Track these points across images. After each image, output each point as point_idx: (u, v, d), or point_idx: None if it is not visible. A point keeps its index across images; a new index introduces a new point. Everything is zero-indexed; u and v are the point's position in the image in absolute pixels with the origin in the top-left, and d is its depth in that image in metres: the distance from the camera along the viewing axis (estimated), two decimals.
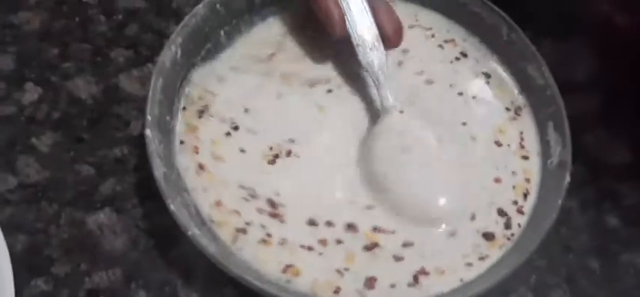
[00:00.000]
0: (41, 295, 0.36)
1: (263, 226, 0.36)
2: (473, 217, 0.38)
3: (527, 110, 0.43)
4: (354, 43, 0.41)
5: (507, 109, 0.43)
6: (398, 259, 0.36)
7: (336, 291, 0.35)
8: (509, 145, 0.42)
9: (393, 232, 0.37)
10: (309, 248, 0.36)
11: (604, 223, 0.43)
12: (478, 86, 0.44)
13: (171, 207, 0.34)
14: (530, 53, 0.43)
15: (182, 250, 0.38)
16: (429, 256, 0.36)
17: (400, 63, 0.44)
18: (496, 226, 0.38)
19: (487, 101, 0.44)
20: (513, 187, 0.40)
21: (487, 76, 0.45)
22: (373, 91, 0.42)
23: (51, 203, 0.39)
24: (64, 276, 0.37)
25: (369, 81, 0.42)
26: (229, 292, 0.37)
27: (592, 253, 0.41)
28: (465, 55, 0.45)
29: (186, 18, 0.41)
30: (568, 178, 0.38)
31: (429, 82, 0.44)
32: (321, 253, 0.36)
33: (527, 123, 0.43)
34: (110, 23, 0.48)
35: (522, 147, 0.42)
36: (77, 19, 0.48)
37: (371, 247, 0.36)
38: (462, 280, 0.36)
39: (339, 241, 0.36)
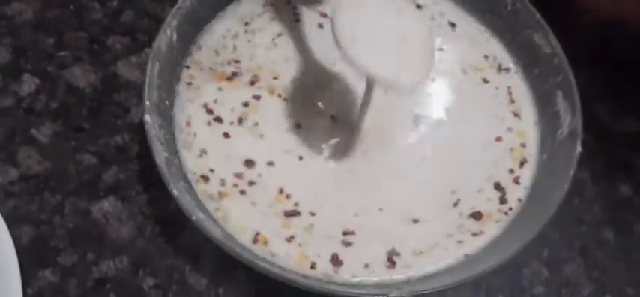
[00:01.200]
0: (49, 286, 0.36)
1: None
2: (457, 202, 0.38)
3: (519, 76, 0.43)
4: None
5: (485, 57, 0.44)
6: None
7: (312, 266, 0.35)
8: (497, 87, 0.43)
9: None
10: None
11: (616, 193, 0.43)
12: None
13: (174, 192, 0.34)
14: (535, 22, 0.43)
15: (189, 236, 0.38)
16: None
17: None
18: (489, 203, 0.38)
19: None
20: (511, 150, 0.40)
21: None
22: None
23: (54, 194, 0.39)
24: (71, 266, 0.37)
25: None
26: (238, 274, 0.37)
27: (605, 224, 0.41)
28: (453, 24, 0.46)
29: (181, 0, 0.41)
30: (579, 148, 0.37)
31: None
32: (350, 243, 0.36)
33: (516, 84, 0.43)
34: (105, 10, 0.48)
35: (512, 101, 0.42)
36: (71, 7, 0.48)
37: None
38: (466, 255, 0.36)
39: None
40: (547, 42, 0.42)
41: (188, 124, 0.39)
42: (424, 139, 0.41)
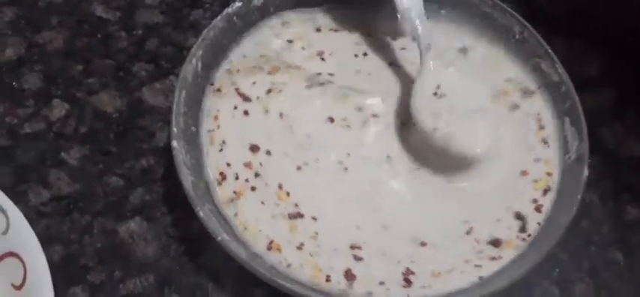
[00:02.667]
0: None
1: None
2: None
3: (544, 99, 0.44)
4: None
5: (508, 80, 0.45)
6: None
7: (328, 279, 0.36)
8: (528, 114, 0.43)
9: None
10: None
11: (624, 214, 0.43)
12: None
13: (201, 214, 0.35)
14: (543, 51, 0.44)
15: (211, 255, 0.39)
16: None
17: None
18: (509, 231, 0.39)
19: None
20: (536, 181, 0.40)
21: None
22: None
23: (83, 214, 0.41)
24: (100, 283, 0.38)
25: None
26: (259, 293, 0.38)
27: (614, 245, 0.42)
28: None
29: (205, 31, 0.43)
30: (586, 172, 0.38)
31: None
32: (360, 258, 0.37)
33: (543, 108, 0.44)
34: (131, 39, 0.50)
35: (541, 128, 0.43)
36: (99, 35, 0.50)
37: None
38: (481, 278, 0.37)
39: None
40: (554, 70, 0.43)
41: (216, 117, 0.42)
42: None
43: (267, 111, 0.42)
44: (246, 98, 0.42)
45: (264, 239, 0.37)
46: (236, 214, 0.38)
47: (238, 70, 0.44)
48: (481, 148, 0.40)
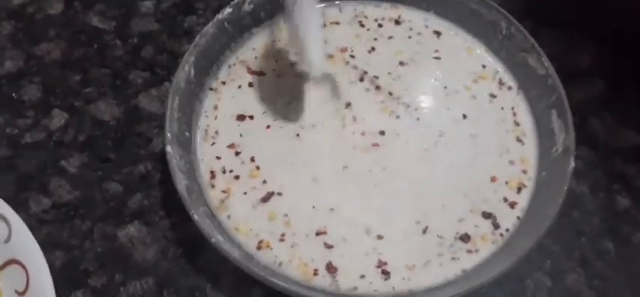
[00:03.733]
0: None
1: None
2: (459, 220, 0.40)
3: (521, 96, 0.45)
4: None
5: (483, 66, 0.47)
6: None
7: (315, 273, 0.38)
8: (502, 107, 0.44)
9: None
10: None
11: (615, 205, 0.44)
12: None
13: (195, 217, 0.36)
14: (529, 45, 0.44)
15: (209, 257, 0.40)
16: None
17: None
18: (476, 229, 0.40)
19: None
20: (506, 183, 0.41)
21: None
22: None
23: (83, 220, 0.42)
24: (101, 287, 0.39)
25: None
26: (257, 292, 0.39)
27: (605, 235, 0.42)
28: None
29: (197, 38, 0.44)
30: (572, 164, 0.39)
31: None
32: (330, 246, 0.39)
33: (520, 105, 0.45)
34: (126, 47, 0.51)
35: (517, 124, 0.44)
36: (95, 45, 0.51)
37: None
38: (464, 270, 0.38)
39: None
40: (541, 64, 0.43)
41: (215, 107, 0.44)
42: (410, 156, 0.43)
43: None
44: (259, 73, 0.45)
45: (254, 239, 0.38)
46: (229, 217, 0.39)
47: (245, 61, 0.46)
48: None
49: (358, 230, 0.39)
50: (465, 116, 0.44)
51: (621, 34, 0.49)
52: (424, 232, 0.39)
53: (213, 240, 0.35)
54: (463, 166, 0.42)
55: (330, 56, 0.46)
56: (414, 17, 0.49)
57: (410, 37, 0.48)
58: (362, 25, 0.48)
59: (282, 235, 0.39)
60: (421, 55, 0.47)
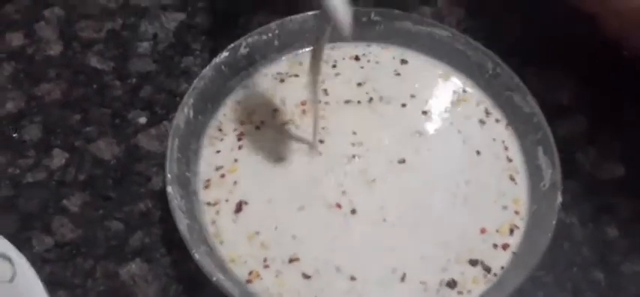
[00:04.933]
0: None
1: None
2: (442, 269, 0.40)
3: (511, 131, 0.46)
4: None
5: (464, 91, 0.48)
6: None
7: None
8: (494, 139, 0.45)
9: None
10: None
11: (604, 235, 0.45)
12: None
13: (196, 256, 0.37)
14: (514, 84, 0.46)
15: (210, 293, 0.40)
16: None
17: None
18: (462, 276, 0.39)
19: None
20: (497, 231, 0.41)
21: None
22: None
23: (86, 259, 0.43)
24: None
25: None
26: None
27: (595, 265, 0.43)
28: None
29: (195, 81, 0.45)
30: (560, 198, 0.40)
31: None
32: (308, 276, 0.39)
33: (510, 139, 0.46)
34: (125, 87, 0.52)
35: (509, 160, 0.44)
36: (95, 86, 0.52)
37: None
38: None
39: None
40: (526, 102, 0.45)
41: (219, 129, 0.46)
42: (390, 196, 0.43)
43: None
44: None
45: (245, 267, 0.40)
46: (221, 242, 0.40)
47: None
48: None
49: (328, 267, 0.39)
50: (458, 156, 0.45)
51: (602, 70, 0.50)
52: (402, 279, 0.39)
53: (214, 279, 0.37)
54: (448, 215, 0.42)
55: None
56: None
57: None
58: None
59: (265, 260, 0.40)
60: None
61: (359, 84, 0.49)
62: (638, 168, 0.48)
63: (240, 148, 0.45)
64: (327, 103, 0.47)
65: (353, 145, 0.45)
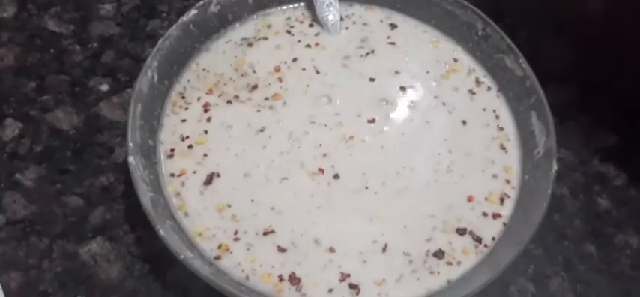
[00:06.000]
0: None
1: None
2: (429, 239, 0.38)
3: (502, 99, 0.44)
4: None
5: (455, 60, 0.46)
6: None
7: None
8: (484, 108, 0.43)
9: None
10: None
11: (595, 206, 0.44)
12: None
13: (161, 232, 0.34)
14: (506, 46, 0.44)
15: (177, 272, 0.38)
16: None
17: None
18: (450, 245, 0.38)
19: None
20: (486, 199, 0.40)
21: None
22: None
23: (41, 238, 0.40)
24: None
25: None
26: None
27: (587, 237, 0.42)
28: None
29: (160, 42, 0.41)
30: (555, 167, 0.38)
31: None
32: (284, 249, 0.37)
33: (501, 106, 0.44)
34: (86, 52, 0.49)
35: (500, 129, 0.42)
36: (52, 50, 0.49)
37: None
38: (448, 281, 0.36)
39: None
40: (518, 65, 0.43)
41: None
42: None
43: None
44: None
45: (214, 242, 0.37)
46: (186, 214, 0.38)
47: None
48: None
49: (306, 239, 0.37)
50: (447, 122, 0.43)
51: (595, 34, 0.49)
52: (384, 250, 0.37)
53: (181, 257, 0.33)
54: (431, 185, 0.40)
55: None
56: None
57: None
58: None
59: (236, 233, 0.37)
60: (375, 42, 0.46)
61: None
62: (630, 137, 0.47)
63: (209, 120, 0.41)
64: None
65: (326, 100, 0.43)
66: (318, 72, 0.44)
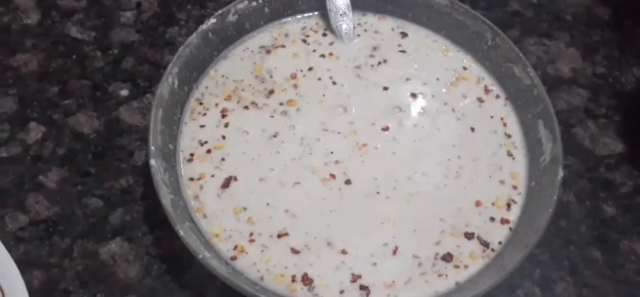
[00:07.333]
0: None
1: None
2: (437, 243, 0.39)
3: (510, 107, 0.44)
4: (328, 8, 0.47)
5: (464, 68, 0.46)
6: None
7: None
8: (492, 116, 0.44)
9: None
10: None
11: (601, 212, 0.44)
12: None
13: (181, 233, 0.35)
14: (514, 55, 0.44)
15: (194, 272, 0.39)
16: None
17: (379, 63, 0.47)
18: (458, 248, 0.38)
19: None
20: (493, 204, 0.40)
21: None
22: None
23: (63, 237, 0.41)
24: None
25: None
26: None
27: (592, 243, 0.43)
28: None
29: (181, 49, 0.42)
30: (561, 173, 0.39)
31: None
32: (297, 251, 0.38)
33: (509, 114, 0.44)
34: (106, 58, 0.50)
35: (508, 136, 0.43)
36: (74, 56, 0.50)
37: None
38: (456, 283, 0.37)
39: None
40: (526, 74, 0.43)
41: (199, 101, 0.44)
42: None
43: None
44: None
45: (230, 243, 0.38)
46: (204, 216, 0.39)
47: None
48: None
49: (319, 242, 0.38)
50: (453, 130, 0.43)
51: (603, 42, 0.49)
52: (394, 253, 0.38)
53: (200, 256, 0.34)
54: (440, 189, 0.41)
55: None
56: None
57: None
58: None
59: (251, 235, 0.38)
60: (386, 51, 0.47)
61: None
62: (637, 143, 0.47)
63: (226, 125, 0.42)
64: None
65: (342, 110, 0.44)
66: (335, 83, 0.45)
